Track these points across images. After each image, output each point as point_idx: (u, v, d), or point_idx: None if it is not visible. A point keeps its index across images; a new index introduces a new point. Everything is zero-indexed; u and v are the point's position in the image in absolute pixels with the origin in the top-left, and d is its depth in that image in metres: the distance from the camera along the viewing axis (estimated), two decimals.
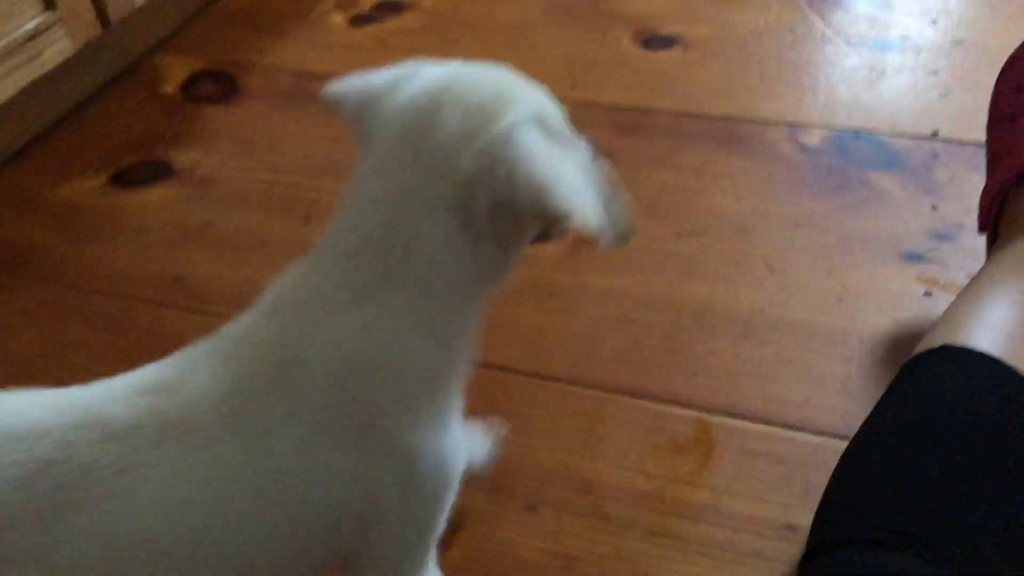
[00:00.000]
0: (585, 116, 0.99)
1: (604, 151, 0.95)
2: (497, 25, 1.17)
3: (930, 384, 0.54)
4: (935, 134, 0.93)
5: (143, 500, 0.37)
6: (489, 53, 1.09)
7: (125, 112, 1.07)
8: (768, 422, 0.69)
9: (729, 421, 0.69)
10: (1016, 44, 0.74)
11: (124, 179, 0.98)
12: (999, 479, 0.49)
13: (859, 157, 0.91)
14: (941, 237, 0.82)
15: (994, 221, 0.68)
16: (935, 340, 0.56)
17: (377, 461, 0.41)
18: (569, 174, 0.40)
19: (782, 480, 0.65)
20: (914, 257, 0.80)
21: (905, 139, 0.93)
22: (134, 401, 0.39)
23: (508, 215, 0.40)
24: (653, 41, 1.10)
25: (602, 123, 0.98)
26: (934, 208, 0.85)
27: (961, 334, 0.56)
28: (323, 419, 0.39)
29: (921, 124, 0.94)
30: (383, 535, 0.43)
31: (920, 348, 0.57)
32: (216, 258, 0.87)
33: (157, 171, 0.98)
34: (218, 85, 1.10)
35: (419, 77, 0.42)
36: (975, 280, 0.63)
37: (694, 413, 0.70)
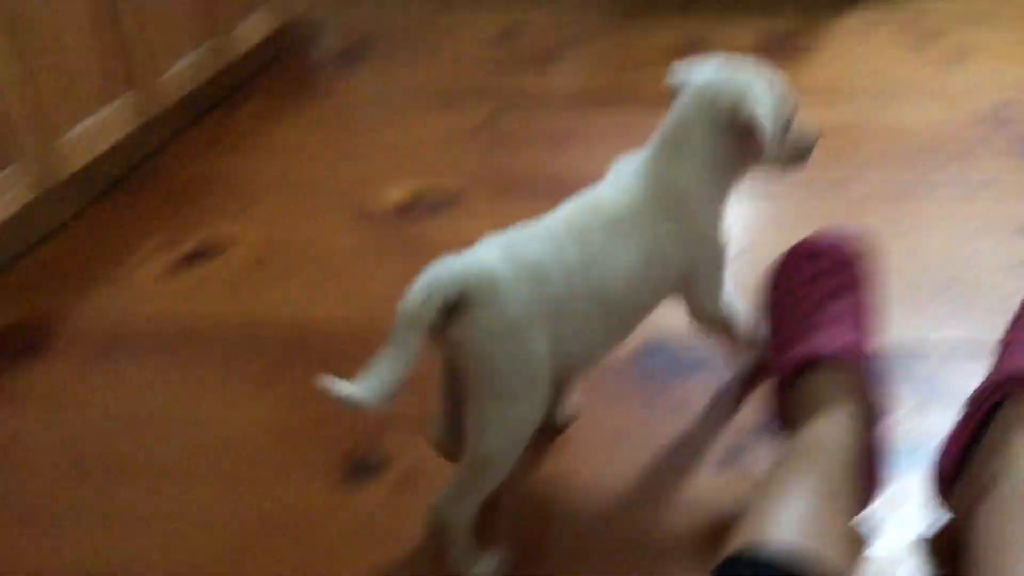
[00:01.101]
0: None
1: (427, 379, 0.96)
2: (320, 257, 1.20)
3: None
4: None
5: (613, 264, 0.74)
6: (312, 287, 1.13)
7: None
8: None
9: None
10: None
11: None
12: None
13: (667, 366, 0.97)
14: (751, 433, 0.86)
15: (782, 411, 0.75)
16: (737, 541, 0.60)
17: (695, 245, 0.79)
18: (771, 115, 0.77)
19: None
20: (725, 460, 0.84)
21: (706, 346, 0.99)
22: (588, 216, 0.75)
23: (738, 128, 0.77)
24: None
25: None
26: (737, 411, 0.90)
27: (761, 532, 0.60)
28: (671, 222, 0.77)
29: None
30: (700, 283, 0.82)
31: (726, 551, 0.60)
32: (17, 532, 0.81)
33: None
34: (27, 340, 1.07)
35: (709, 70, 0.80)
36: (770, 474, 0.67)
37: None
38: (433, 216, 1.29)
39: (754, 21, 1.98)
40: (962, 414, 0.72)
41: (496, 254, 0.69)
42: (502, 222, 1.26)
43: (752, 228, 1.21)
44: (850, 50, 1.80)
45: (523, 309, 0.67)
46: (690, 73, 0.81)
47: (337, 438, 0.90)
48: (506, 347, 0.67)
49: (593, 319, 0.73)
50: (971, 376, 0.90)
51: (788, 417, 0.75)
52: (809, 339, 0.75)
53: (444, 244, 1.21)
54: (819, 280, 0.80)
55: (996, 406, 0.70)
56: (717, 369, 0.95)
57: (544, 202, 1.31)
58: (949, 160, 1.34)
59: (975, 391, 0.72)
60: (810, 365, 0.74)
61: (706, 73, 0.80)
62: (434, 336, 0.67)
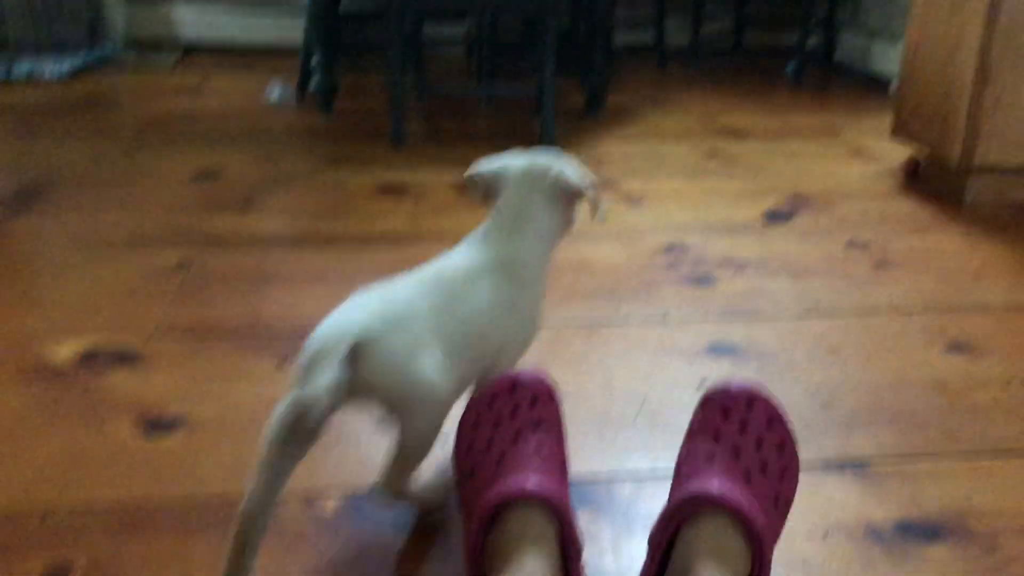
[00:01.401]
0: (81, 521, 0.89)
1: (98, 565, 0.85)
2: None
3: None
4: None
5: (472, 304, 0.88)
6: None
7: None
8: None
9: None
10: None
11: None
12: None
13: (375, 518, 0.92)
14: None
15: (478, 558, 0.74)
16: None
17: (522, 313, 0.93)
18: (587, 181, 0.95)
19: None
20: None
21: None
22: (436, 277, 0.88)
23: (565, 196, 0.95)
24: (157, 426, 1.05)
25: (101, 526, 0.89)
26: (445, 560, 0.87)
27: None
28: (509, 288, 0.91)
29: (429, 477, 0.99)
30: (512, 350, 0.93)
31: None
32: None
33: None
34: None
35: (518, 159, 0.97)
36: None
37: None
38: (115, 371, 1.17)
39: (453, 169, 2.07)
40: (647, 551, 0.74)
41: (371, 308, 0.82)
42: (193, 373, 1.18)
43: None
44: None
45: (404, 346, 0.81)
46: (498, 164, 0.97)
47: None
48: (402, 376, 0.81)
49: (452, 355, 0.85)
50: (664, 501, 0.94)
51: (487, 565, 0.73)
52: (502, 481, 0.74)
53: (129, 401, 1.11)
54: (511, 418, 0.81)
55: (676, 532, 0.72)
56: (430, 519, 0.92)
57: (241, 348, 1.24)
58: (633, 293, 1.44)
59: (654, 526, 0.74)
60: (505, 507, 0.73)
61: (521, 160, 0.97)
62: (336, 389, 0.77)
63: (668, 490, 0.79)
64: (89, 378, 1.16)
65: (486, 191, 0.97)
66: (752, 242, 1.68)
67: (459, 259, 0.91)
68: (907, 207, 1.89)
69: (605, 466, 1.01)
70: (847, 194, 1.97)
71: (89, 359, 1.20)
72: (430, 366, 0.82)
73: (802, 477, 0.93)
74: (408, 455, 0.84)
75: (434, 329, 0.83)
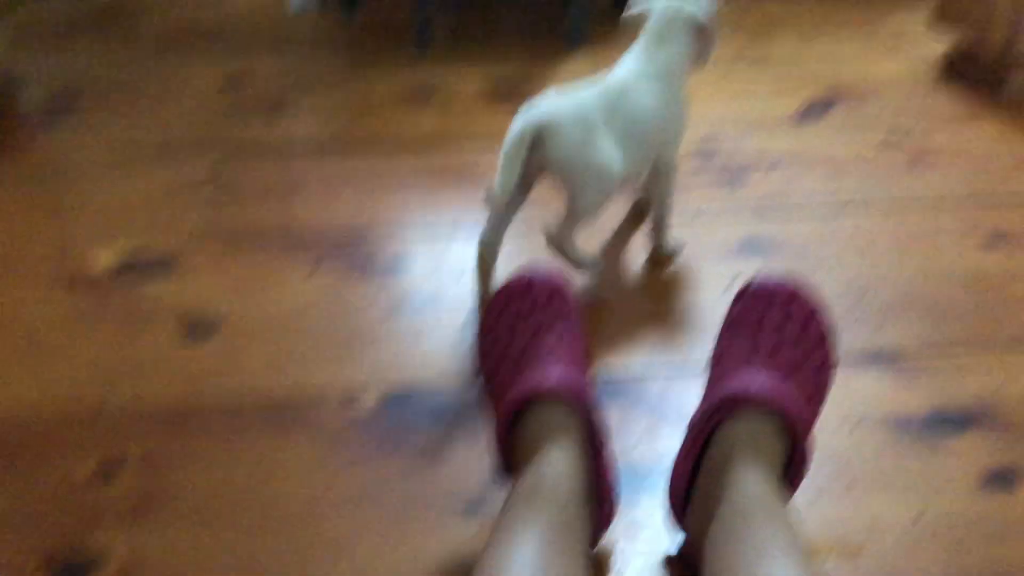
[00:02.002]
0: (131, 419, 0.92)
1: (149, 461, 0.88)
2: (17, 333, 1.07)
3: None
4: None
5: (637, 105, 1.11)
6: (3, 367, 1.00)
7: None
8: None
9: None
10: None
11: None
12: None
13: (412, 415, 0.94)
14: (497, 481, 0.86)
15: (506, 455, 0.76)
16: None
17: (676, 108, 1.16)
18: (710, 17, 1.15)
19: None
20: (472, 508, 0.83)
21: (450, 391, 0.98)
22: (608, 85, 1.12)
23: (694, 30, 1.15)
24: (197, 329, 1.08)
25: (145, 428, 0.92)
26: (481, 456, 0.89)
27: None
28: (666, 89, 1.14)
29: (462, 375, 1.01)
30: (674, 139, 1.18)
31: None
32: None
33: None
34: None
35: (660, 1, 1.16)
36: (496, 523, 0.66)
37: None
38: (151, 279, 1.19)
39: (481, 69, 2.04)
40: (684, 439, 0.75)
41: (556, 103, 1.06)
42: (229, 280, 1.20)
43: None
44: None
45: (582, 132, 1.05)
46: (644, 5, 1.18)
47: (40, 537, 0.79)
48: (580, 155, 1.05)
49: (622, 145, 1.09)
50: (696, 395, 0.95)
51: (513, 460, 0.75)
52: (524, 378, 0.75)
53: (168, 306, 1.13)
54: (529, 316, 0.81)
55: (715, 427, 0.73)
56: (463, 415, 0.94)
57: (275, 253, 1.26)
58: None
59: (694, 416, 0.75)
60: (528, 404, 0.74)
61: (662, 1, 1.17)
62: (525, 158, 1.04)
63: (702, 383, 0.80)
64: (128, 284, 1.18)
65: (636, 27, 1.21)
66: (786, 137, 1.65)
67: (623, 72, 1.13)
68: (945, 99, 1.84)
69: (637, 361, 1.02)
70: (884, 86, 1.92)
71: (127, 266, 1.22)
72: (603, 149, 1.06)
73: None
74: (576, 218, 1.08)
75: (608, 122, 1.08)
